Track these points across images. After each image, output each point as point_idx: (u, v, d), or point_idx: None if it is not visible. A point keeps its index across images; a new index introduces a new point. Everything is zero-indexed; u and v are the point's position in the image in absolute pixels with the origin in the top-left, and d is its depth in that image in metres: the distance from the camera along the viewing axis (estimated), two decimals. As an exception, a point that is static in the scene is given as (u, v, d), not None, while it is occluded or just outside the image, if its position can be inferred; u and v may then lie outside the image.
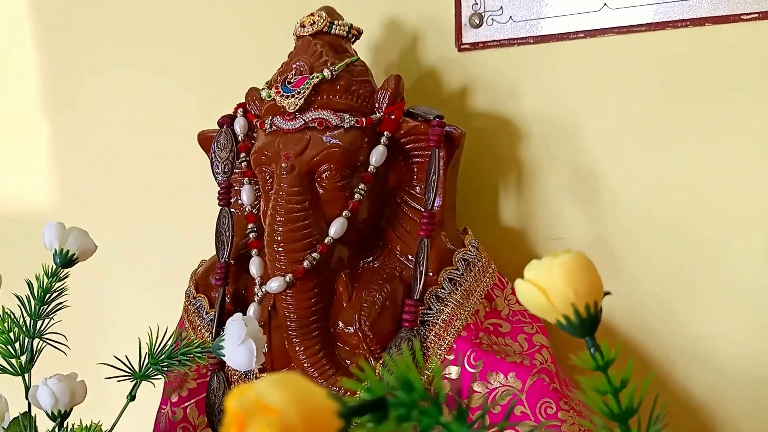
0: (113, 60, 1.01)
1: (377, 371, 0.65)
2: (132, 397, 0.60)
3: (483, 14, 0.75)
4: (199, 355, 0.57)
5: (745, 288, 0.69)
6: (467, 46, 0.76)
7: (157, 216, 1.00)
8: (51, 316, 0.65)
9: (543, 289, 0.36)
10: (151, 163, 0.99)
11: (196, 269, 0.79)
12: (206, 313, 0.75)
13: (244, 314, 0.73)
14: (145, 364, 0.59)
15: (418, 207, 0.70)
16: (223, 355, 0.56)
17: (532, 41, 0.73)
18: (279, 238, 0.66)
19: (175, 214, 1.00)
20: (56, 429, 0.61)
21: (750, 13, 0.63)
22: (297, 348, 0.67)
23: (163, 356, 0.58)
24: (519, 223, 0.78)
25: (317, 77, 0.66)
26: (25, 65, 1.07)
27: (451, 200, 0.72)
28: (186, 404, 0.73)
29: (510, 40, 0.74)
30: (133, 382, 0.59)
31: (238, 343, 0.55)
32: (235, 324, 0.55)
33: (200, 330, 0.74)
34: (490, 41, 0.75)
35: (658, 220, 0.72)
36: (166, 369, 0.58)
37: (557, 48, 0.72)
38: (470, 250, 0.70)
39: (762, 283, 0.68)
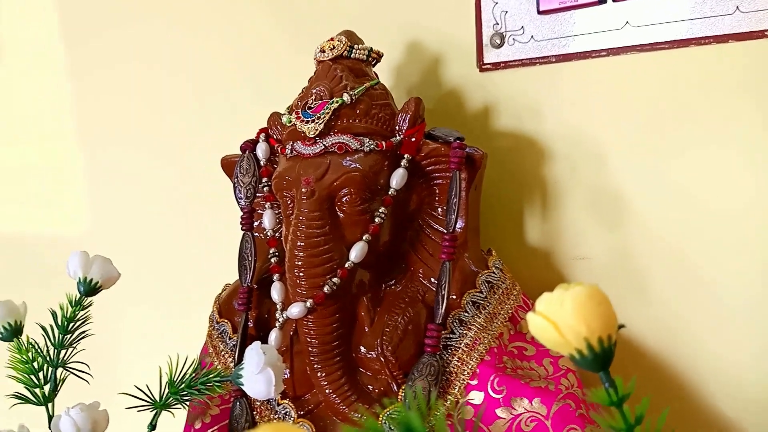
0: (134, 87, 1.03)
1: (399, 397, 0.64)
2: (153, 426, 0.60)
3: (504, 34, 0.74)
4: (219, 384, 0.57)
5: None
6: (488, 66, 0.76)
7: (179, 241, 1.01)
8: (74, 345, 0.65)
9: (554, 323, 0.35)
10: (174, 190, 1.01)
11: (220, 293, 0.79)
12: (229, 338, 0.75)
13: (266, 339, 0.74)
14: (165, 393, 0.58)
15: (440, 229, 0.69)
16: (242, 384, 0.56)
17: (554, 60, 0.72)
18: (300, 263, 0.65)
19: (198, 239, 1.01)
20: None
21: (776, 28, 0.61)
22: (318, 374, 0.66)
23: (183, 386, 0.57)
24: (544, 243, 0.76)
25: (337, 102, 0.66)
26: (58, 95, 1.09)
27: (474, 221, 0.71)
28: (209, 431, 0.72)
29: (532, 59, 0.73)
30: (153, 412, 0.59)
31: (257, 372, 0.55)
32: (253, 353, 0.55)
33: (223, 355, 0.74)
34: (511, 61, 0.74)
35: (683, 240, 0.70)
36: (185, 399, 0.57)
37: (580, 67, 0.71)
38: (494, 272, 0.69)
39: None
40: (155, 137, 1.02)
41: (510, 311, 0.68)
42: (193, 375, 0.57)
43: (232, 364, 0.73)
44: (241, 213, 0.74)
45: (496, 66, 0.75)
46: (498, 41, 0.74)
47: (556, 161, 0.74)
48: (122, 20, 1.02)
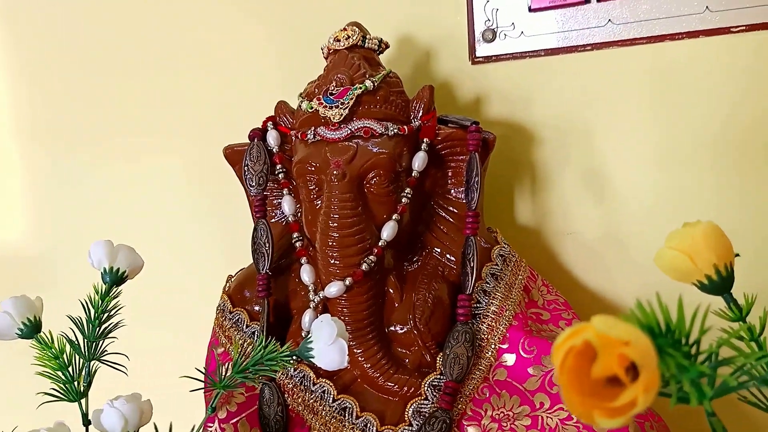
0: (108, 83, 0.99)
1: (438, 366, 0.68)
2: (213, 409, 0.59)
3: (496, 30, 0.80)
4: (287, 360, 0.57)
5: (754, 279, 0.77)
6: (480, 59, 0.82)
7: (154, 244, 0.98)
8: (107, 336, 0.63)
9: (688, 253, 0.41)
10: (155, 186, 0.98)
11: (226, 285, 0.79)
12: (246, 326, 0.74)
13: (286, 325, 0.75)
14: (226, 374, 0.58)
15: (454, 209, 0.74)
16: (312, 357, 0.57)
17: (543, 54, 0.80)
18: (334, 244, 0.67)
19: (168, 242, 0.99)
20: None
21: (738, 26, 0.73)
22: (355, 350, 0.68)
23: (247, 364, 0.58)
24: (536, 221, 0.83)
25: (360, 88, 0.69)
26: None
27: (481, 201, 0.76)
28: (236, 419, 0.71)
29: (522, 53, 0.80)
30: (216, 393, 0.58)
31: (330, 342, 0.56)
32: (325, 324, 0.56)
33: (240, 344, 0.74)
34: (502, 54, 0.81)
35: (660, 213, 0.80)
36: (251, 378, 0.57)
37: (566, 60, 0.79)
38: (504, 247, 0.74)
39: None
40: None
41: (523, 281, 0.74)
42: (258, 353, 0.57)
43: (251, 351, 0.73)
44: (254, 201, 0.75)
45: (488, 59, 0.82)
46: (490, 36, 0.81)
47: (545, 146, 0.82)
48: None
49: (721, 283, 0.40)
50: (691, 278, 0.41)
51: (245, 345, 0.74)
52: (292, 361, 0.58)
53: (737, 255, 0.42)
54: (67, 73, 1.02)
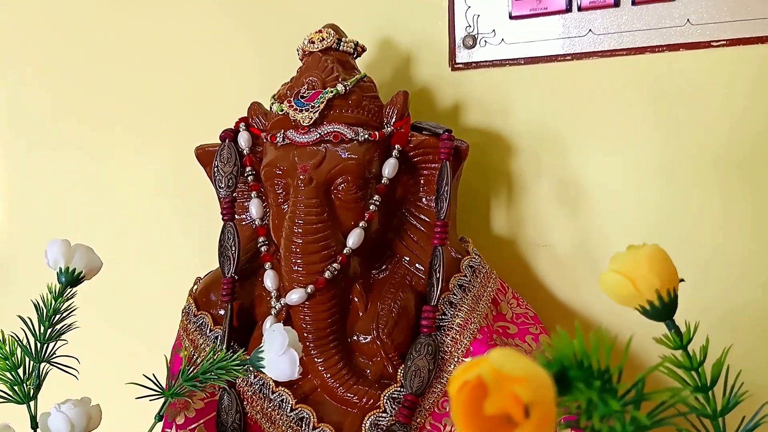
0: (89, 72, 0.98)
1: (398, 378, 0.66)
2: (160, 417, 0.58)
3: (476, 36, 0.79)
4: (239, 369, 0.56)
5: (728, 294, 0.75)
6: (460, 65, 0.80)
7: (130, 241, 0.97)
8: (58, 339, 0.62)
9: (630, 277, 0.39)
10: (125, 184, 0.97)
11: (193, 287, 0.77)
12: (210, 330, 0.73)
13: (251, 329, 0.73)
14: (175, 381, 0.57)
15: (425, 218, 0.72)
16: (263, 367, 0.56)
17: (522, 62, 0.78)
18: (298, 250, 0.66)
19: (144, 238, 0.98)
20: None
21: (719, 40, 0.71)
22: (315, 359, 0.67)
23: (196, 373, 0.56)
24: (509, 232, 0.82)
25: (331, 92, 0.67)
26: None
27: (453, 211, 0.75)
28: (194, 425, 0.70)
29: (502, 60, 0.79)
30: (163, 401, 0.57)
31: (281, 353, 0.55)
32: (276, 334, 0.55)
33: (203, 348, 0.73)
34: (482, 61, 0.79)
35: (635, 227, 0.78)
36: (201, 385, 0.56)
37: (546, 69, 0.78)
38: (474, 258, 0.73)
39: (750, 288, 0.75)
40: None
41: (491, 293, 0.72)
42: (209, 362, 0.56)
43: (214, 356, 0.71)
44: (222, 203, 0.73)
45: (468, 66, 0.80)
46: (470, 42, 0.79)
47: (522, 155, 0.80)
48: None
49: (663, 309, 0.39)
50: (634, 303, 0.39)
51: (208, 350, 0.72)
52: (243, 370, 0.56)
53: (682, 280, 0.40)
54: (41, 68, 1.00)
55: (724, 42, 0.71)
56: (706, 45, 0.72)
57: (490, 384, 0.24)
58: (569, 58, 0.77)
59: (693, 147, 0.74)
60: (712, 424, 0.38)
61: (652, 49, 0.74)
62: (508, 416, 0.24)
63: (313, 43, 0.71)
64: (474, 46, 0.79)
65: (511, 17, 0.78)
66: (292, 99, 0.68)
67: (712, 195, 0.74)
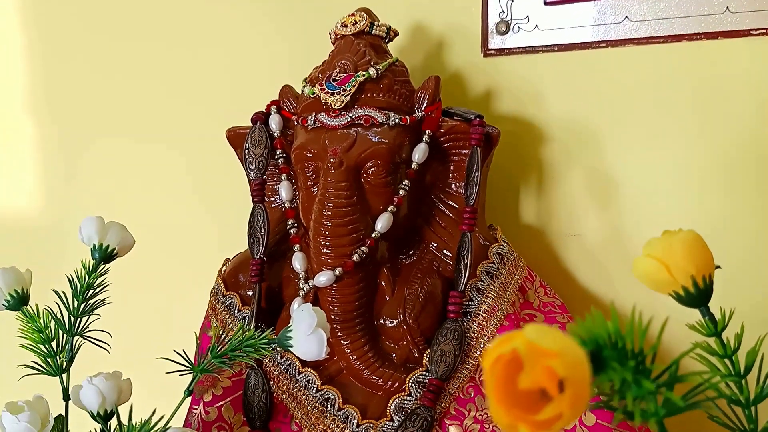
0: (115, 62, 0.99)
1: (424, 362, 0.67)
2: (189, 392, 0.59)
3: (509, 22, 0.78)
4: (265, 347, 0.57)
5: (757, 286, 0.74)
6: (493, 51, 0.80)
7: (159, 218, 0.98)
8: (92, 314, 0.63)
9: (665, 263, 0.39)
10: (158, 165, 0.98)
11: (222, 268, 0.78)
12: (238, 311, 0.74)
13: (278, 311, 0.74)
14: (205, 357, 0.58)
15: (454, 204, 0.72)
16: (291, 346, 0.56)
17: (556, 49, 0.77)
18: (326, 233, 0.66)
19: (172, 220, 0.99)
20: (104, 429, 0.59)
21: (759, 29, 0.69)
22: (342, 341, 0.68)
23: (225, 350, 0.57)
24: (539, 221, 0.81)
25: (363, 75, 0.67)
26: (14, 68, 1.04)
27: (483, 198, 0.74)
28: (221, 403, 0.71)
29: (535, 47, 0.78)
30: (192, 377, 0.58)
31: (309, 332, 0.55)
32: (305, 314, 0.55)
33: (231, 328, 0.73)
34: (515, 48, 0.79)
35: (668, 218, 0.77)
36: (229, 363, 0.57)
37: (580, 56, 0.77)
38: (503, 245, 0.72)
39: None
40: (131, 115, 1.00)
41: (519, 281, 0.72)
42: (237, 340, 0.57)
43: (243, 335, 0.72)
44: (253, 185, 0.74)
45: (500, 52, 0.80)
46: (503, 28, 0.79)
47: (554, 145, 0.80)
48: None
49: (697, 296, 0.38)
50: (668, 289, 0.39)
51: (236, 329, 0.73)
52: (271, 349, 0.57)
53: (718, 267, 0.40)
54: (81, 51, 1.02)
55: (764, 30, 0.69)
56: (746, 33, 0.70)
57: (525, 358, 0.24)
58: (604, 45, 0.76)
59: (731, 140, 0.73)
60: (744, 412, 0.37)
61: (690, 37, 0.72)
62: (541, 391, 0.24)
63: (345, 26, 0.71)
64: (507, 33, 0.79)
65: (545, 3, 0.77)
66: (323, 82, 0.69)
67: (751, 189, 0.73)
